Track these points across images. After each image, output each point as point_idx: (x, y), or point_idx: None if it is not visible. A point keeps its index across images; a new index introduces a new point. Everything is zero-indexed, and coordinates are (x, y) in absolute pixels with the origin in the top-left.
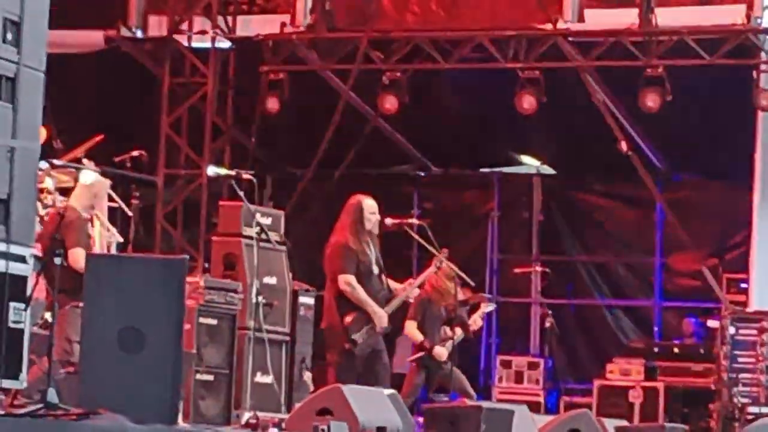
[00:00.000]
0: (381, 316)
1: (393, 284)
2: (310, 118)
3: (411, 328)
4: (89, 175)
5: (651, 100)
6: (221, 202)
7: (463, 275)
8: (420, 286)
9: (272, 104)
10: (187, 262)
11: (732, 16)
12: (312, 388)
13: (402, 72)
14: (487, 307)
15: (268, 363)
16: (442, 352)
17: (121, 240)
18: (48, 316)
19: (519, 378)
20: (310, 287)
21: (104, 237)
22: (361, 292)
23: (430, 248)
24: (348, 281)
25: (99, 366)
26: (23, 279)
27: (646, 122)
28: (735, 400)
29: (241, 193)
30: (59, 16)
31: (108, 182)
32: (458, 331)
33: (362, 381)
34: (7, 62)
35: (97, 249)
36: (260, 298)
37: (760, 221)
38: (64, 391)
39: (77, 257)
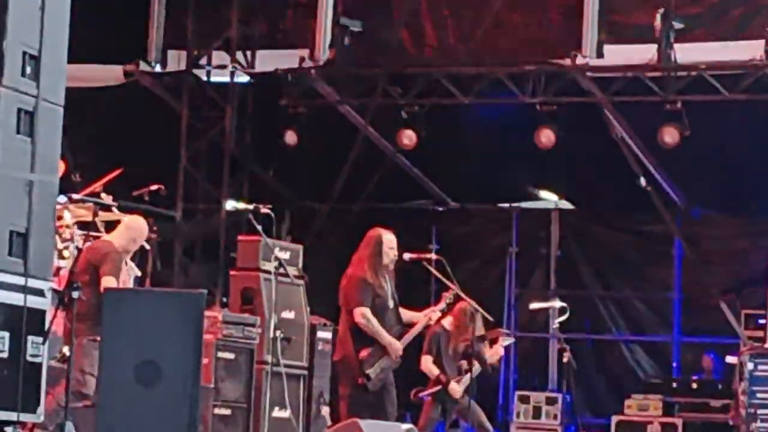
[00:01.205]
0: (396, 348)
1: (411, 313)
2: (328, 153)
3: (427, 362)
4: (137, 219)
5: (669, 136)
6: (240, 237)
7: (481, 310)
8: (433, 321)
9: (291, 138)
10: (205, 296)
11: (750, 51)
12: (329, 423)
13: (420, 107)
14: (506, 341)
15: (286, 397)
16: (457, 388)
17: (139, 274)
18: (66, 350)
19: (537, 413)
20: (328, 322)
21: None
22: (376, 325)
23: (448, 283)
24: (364, 314)
25: (116, 400)
26: (41, 313)
27: (665, 158)
28: None
29: (260, 228)
30: (78, 50)
31: (146, 231)
32: (476, 365)
33: (373, 415)
34: (26, 96)
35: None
36: (278, 333)
37: None
38: (80, 424)
39: (109, 285)
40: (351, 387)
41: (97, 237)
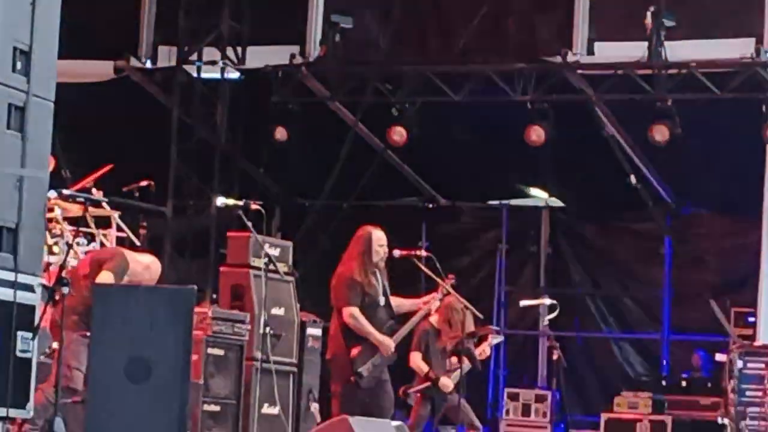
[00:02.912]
0: (387, 346)
1: (409, 301)
2: (318, 150)
3: (416, 358)
4: (157, 263)
5: (660, 134)
6: (230, 233)
7: (471, 307)
8: (427, 314)
9: (281, 135)
10: (195, 292)
11: (741, 49)
12: (319, 419)
13: (411, 104)
14: (495, 339)
15: (276, 394)
16: (447, 383)
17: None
18: (56, 345)
19: (526, 411)
20: (317, 318)
21: None
22: (365, 324)
23: (438, 280)
24: (352, 313)
25: (106, 396)
26: (31, 308)
27: (655, 155)
28: None
29: (250, 224)
30: (69, 46)
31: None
32: (465, 362)
33: (366, 412)
34: (17, 91)
35: None
36: (268, 329)
37: None
38: (69, 419)
39: (105, 279)
40: (343, 385)
41: (87, 233)
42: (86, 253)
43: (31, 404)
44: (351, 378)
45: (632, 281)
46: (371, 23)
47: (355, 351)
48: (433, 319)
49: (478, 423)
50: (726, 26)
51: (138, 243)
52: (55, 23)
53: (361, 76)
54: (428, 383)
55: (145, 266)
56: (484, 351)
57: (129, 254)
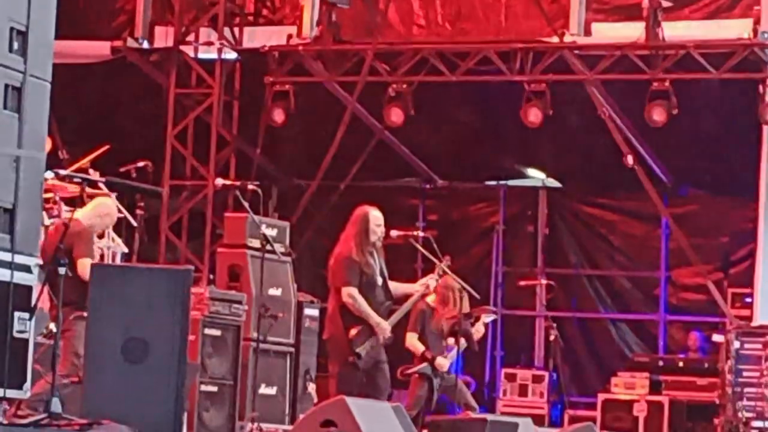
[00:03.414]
0: (384, 328)
1: (405, 285)
2: (315, 130)
3: (412, 339)
4: (106, 200)
5: (657, 114)
6: (226, 214)
7: (467, 287)
8: (423, 295)
9: (278, 115)
10: (192, 273)
11: (739, 30)
12: (316, 400)
13: (408, 84)
14: (489, 317)
15: (273, 374)
16: (444, 362)
17: (126, 250)
18: (52, 326)
19: (523, 391)
20: (314, 299)
21: (109, 247)
22: (363, 305)
23: (435, 260)
24: (350, 293)
25: (103, 376)
26: (28, 288)
27: (652, 136)
28: (739, 414)
29: (246, 205)
30: (66, 26)
31: (116, 216)
32: (462, 342)
33: (363, 392)
34: (14, 71)
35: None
36: (265, 310)
37: (765, 235)
38: (72, 402)
39: (85, 267)
40: (341, 365)
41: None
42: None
43: (28, 385)
44: (349, 358)
45: (629, 262)
46: (368, 3)
47: (353, 331)
48: (430, 299)
49: (474, 403)
50: (723, 6)
51: (135, 223)
52: (51, 3)
53: (358, 56)
54: (425, 363)
55: (100, 215)
56: (478, 331)
57: (85, 220)
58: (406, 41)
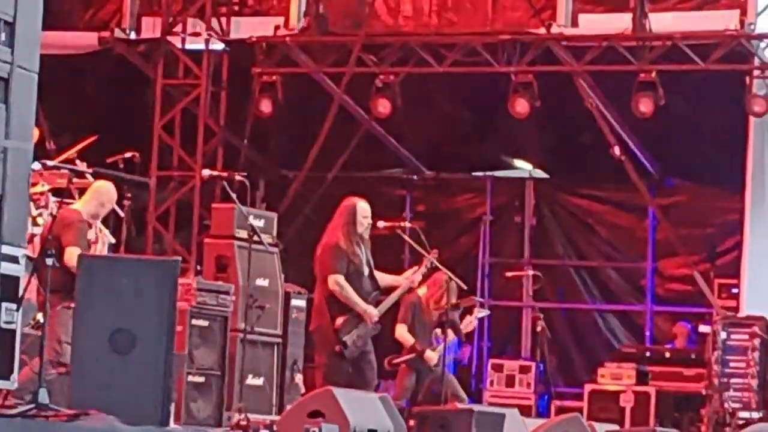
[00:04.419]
0: (372, 314)
1: (391, 277)
2: (302, 121)
3: (402, 330)
4: (104, 184)
5: (644, 105)
6: (214, 204)
7: (455, 278)
8: (416, 285)
9: (265, 106)
10: (179, 263)
11: (725, 21)
12: (303, 390)
13: (395, 75)
14: (481, 312)
15: (260, 365)
16: (432, 356)
17: (113, 241)
18: (40, 316)
19: (510, 382)
20: (302, 290)
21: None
22: (350, 292)
23: (422, 251)
24: (337, 281)
25: (90, 367)
26: (15, 279)
27: (639, 127)
28: (726, 405)
29: (234, 195)
30: (53, 17)
31: (115, 196)
32: (450, 334)
33: (350, 382)
34: (1, 62)
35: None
36: (252, 301)
37: (751, 226)
38: (55, 391)
39: (72, 256)
40: (327, 356)
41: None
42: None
43: (15, 375)
44: (335, 348)
45: (616, 252)
46: None
47: (339, 321)
48: (421, 291)
49: (463, 394)
50: None
51: (122, 214)
52: None
53: (345, 47)
54: (413, 355)
55: (100, 203)
56: (471, 323)
57: (83, 211)
58: (393, 32)
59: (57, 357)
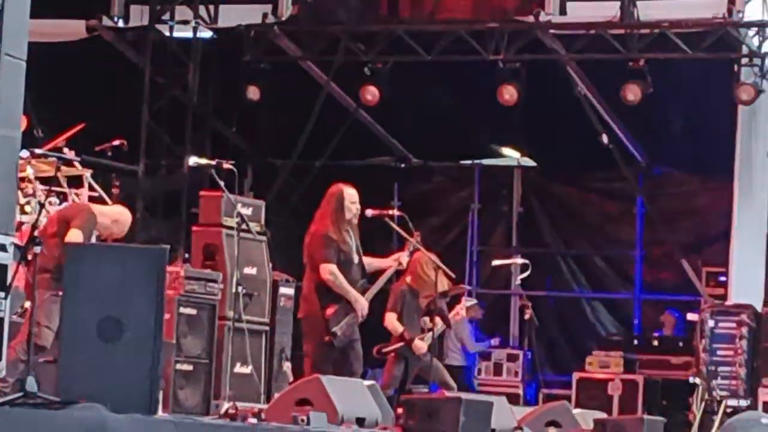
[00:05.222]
0: (363, 305)
1: (378, 260)
2: (291, 109)
3: (391, 319)
4: (125, 212)
5: (632, 94)
6: (202, 192)
7: (443, 266)
8: (398, 275)
9: (253, 94)
10: (167, 251)
11: (714, 10)
12: (291, 379)
13: (383, 64)
14: (469, 302)
15: (248, 353)
16: (421, 345)
17: None
18: (28, 305)
19: (498, 370)
20: (290, 278)
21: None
22: (343, 281)
23: (409, 239)
24: (331, 270)
25: (78, 355)
26: (3, 268)
27: (627, 115)
28: (714, 393)
29: (222, 183)
30: (41, 5)
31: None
32: (438, 322)
33: (338, 371)
34: None
35: None
36: (240, 289)
37: (739, 215)
38: (40, 379)
39: (73, 236)
40: (316, 344)
41: (60, 192)
42: (40, 206)
43: (3, 363)
44: (325, 337)
45: (604, 241)
46: None
47: (330, 310)
48: (409, 278)
49: (452, 382)
50: None
51: (110, 202)
52: None
53: (334, 35)
54: (402, 343)
55: (114, 219)
56: (458, 313)
57: (96, 208)
58: (381, 21)
59: (35, 339)
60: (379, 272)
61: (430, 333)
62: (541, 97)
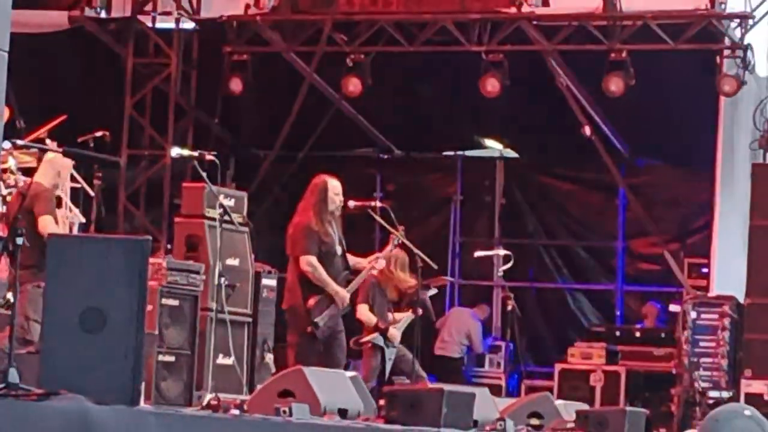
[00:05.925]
0: (343, 297)
1: (358, 259)
2: (273, 100)
3: (363, 310)
4: (54, 155)
5: (615, 85)
6: (184, 184)
7: (425, 257)
8: (377, 269)
9: (236, 85)
10: (149, 242)
11: (696, 1)
12: (273, 370)
13: (366, 55)
14: (430, 291)
15: (230, 344)
16: (396, 333)
17: (84, 220)
18: (10, 296)
19: (480, 361)
20: (272, 269)
21: (67, 218)
22: (322, 273)
23: (392, 230)
24: (310, 262)
25: (60, 346)
26: None
27: (610, 107)
28: (696, 384)
29: (204, 175)
30: None
31: (70, 163)
32: (408, 313)
33: (321, 362)
34: None
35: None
36: (223, 280)
37: (721, 206)
38: (23, 370)
39: (47, 224)
40: (299, 335)
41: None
42: (2, 200)
43: None
44: (308, 329)
45: (586, 232)
46: None
47: (311, 301)
48: (379, 265)
49: (422, 372)
50: None
51: (92, 193)
52: None
53: (316, 26)
54: (377, 333)
55: (56, 171)
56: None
57: (45, 181)
58: (363, 11)
59: (23, 334)
60: (355, 272)
61: (402, 321)
62: (523, 88)
